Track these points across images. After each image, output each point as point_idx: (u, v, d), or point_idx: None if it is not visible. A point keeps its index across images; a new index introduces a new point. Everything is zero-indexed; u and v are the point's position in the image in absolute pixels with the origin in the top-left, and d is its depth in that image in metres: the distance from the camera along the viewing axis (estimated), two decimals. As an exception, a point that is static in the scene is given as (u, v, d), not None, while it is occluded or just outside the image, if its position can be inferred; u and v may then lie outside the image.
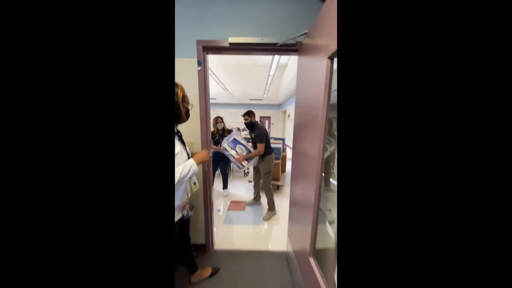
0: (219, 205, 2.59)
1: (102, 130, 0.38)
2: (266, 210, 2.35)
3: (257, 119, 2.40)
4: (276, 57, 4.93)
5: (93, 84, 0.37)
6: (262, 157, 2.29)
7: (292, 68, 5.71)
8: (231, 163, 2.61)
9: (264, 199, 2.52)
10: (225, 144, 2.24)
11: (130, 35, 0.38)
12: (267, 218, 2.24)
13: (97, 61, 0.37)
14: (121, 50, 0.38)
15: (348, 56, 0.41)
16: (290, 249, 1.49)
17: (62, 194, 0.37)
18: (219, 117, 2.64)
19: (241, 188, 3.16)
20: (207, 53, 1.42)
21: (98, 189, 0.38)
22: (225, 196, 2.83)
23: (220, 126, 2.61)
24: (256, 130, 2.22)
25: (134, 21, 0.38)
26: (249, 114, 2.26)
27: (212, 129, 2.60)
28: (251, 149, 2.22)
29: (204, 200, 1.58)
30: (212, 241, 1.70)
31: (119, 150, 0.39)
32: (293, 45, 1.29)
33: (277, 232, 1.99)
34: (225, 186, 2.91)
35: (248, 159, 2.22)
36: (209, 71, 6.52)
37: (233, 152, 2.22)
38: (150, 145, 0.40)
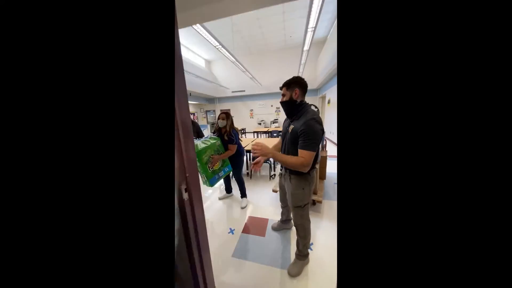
0: (237, 220, 1.96)
1: (101, 127, 0.37)
2: (294, 257, 1.33)
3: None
4: (310, 31, 3.93)
5: (91, 78, 0.37)
6: (291, 173, 1.13)
7: (332, 43, 4.60)
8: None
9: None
10: None
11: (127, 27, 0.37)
12: (294, 274, 1.25)
13: (92, 56, 0.37)
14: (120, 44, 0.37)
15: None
16: None
17: (63, 193, 0.36)
18: (223, 112, 2.02)
19: (265, 196, 2.45)
20: None
21: (98, 189, 0.37)
22: (243, 208, 2.18)
23: (221, 123, 1.97)
24: (305, 118, 1.00)
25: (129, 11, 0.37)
26: (288, 85, 1.06)
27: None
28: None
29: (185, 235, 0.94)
30: (205, 297, 1.07)
31: (118, 147, 0.38)
32: None
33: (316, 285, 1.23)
34: (243, 194, 2.27)
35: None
36: (233, 59, 5.96)
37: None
38: (150, 143, 0.39)
